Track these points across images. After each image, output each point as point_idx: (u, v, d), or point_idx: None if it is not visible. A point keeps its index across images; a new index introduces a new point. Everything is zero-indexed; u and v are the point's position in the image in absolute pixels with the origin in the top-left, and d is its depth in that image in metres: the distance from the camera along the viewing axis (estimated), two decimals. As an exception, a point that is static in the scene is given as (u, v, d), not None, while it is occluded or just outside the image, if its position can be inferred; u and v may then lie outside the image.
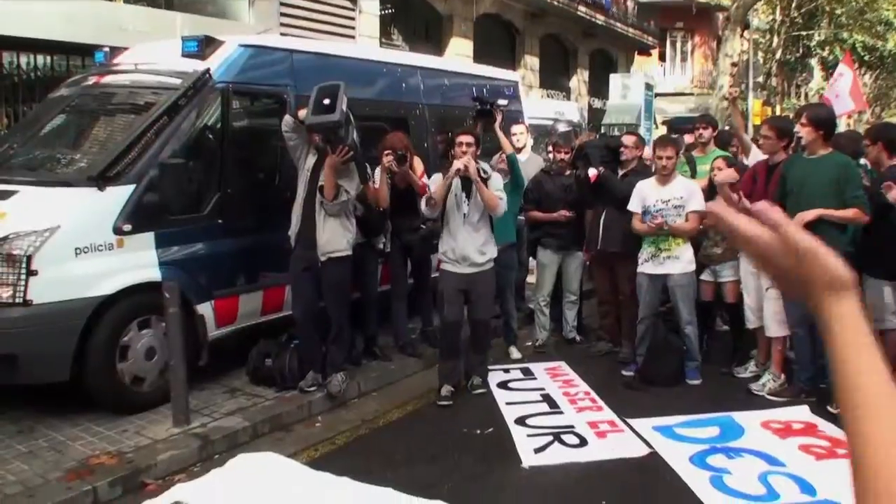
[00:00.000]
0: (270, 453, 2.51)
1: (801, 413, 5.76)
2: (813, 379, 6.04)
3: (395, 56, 8.81)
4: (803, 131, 5.80)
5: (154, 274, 5.44)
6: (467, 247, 5.98)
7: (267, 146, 6.83)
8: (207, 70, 5.92)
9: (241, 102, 6.58)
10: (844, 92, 12.46)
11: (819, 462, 4.92)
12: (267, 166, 6.80)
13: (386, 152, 6.45)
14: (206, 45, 6.09)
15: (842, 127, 35.98)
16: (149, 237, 5.47)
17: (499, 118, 7.07)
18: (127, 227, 5.29)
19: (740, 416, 5.66)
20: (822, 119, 5.84)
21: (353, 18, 14.53)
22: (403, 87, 8.11)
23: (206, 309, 5.83)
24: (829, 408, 5.69)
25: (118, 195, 5.30)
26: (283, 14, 12.70)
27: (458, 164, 5.76)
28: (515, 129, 8.19)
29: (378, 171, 6.54)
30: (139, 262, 5.39)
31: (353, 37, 14.36)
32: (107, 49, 6.96)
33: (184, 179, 5.58)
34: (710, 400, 6.11)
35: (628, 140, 7.36)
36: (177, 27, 10.26)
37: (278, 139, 6.56)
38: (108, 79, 6.47)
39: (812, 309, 0.98)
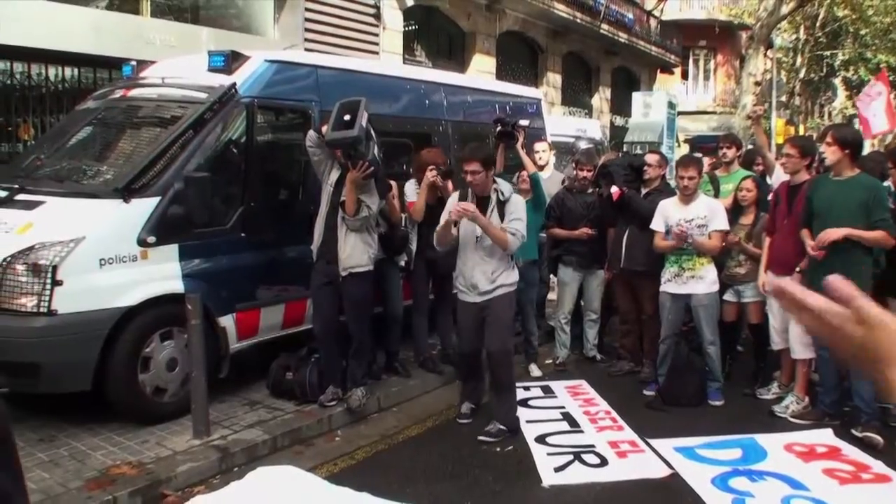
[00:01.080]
0: (289, 467, 2.50)
1: (824, 436, 5.68)
2: (837, 402, 5.98)
3: (418, 72, 8.87)
4: (828, 151, 5.73)
5: (177, 286, 5.47)
6: (476, 274, 5.62)
7: (291, 161, 6.89)
8: (233, 85, 5.97)
9: (266, 117, 6.63)
10: (881, 111, 12.33)
11: (843, 487, 4.85)
12: (290, 181, 6.85)
13: (430, 168, 6.50)
14: (232, 60, 6.14)
15: (866, 148, 35.65)
16: (172, 249, 5.50)
17: (520, 138, 7.07)
18: (151, 239, 5.33)
19: (763, 439, 5.59)
20: (849, 140, 5.78)
21: (376, 35, 14.62)
22: (427, 104, 8.15)
23: (227, 321, 5.86)
24: (853, 431, 5.64)
25: (143, 207, 5.35)
26: (307, 30, 12.80)
27: (451, 210, 5.47)
28: (538, 146, 8.20)
29: (409, 184, 6.73)
30: (162, 274, 5.42)
31: (376, 52, 14.44)
32: (134, 62, 7.05)
33: (208, 193, 5.60)
34: (733, 421, 6.04)
35: (651, 159, 7.33)
36: (202, 41, 10.39)
37: (302, 154, 6.60)
38: (134, 92, 6.53)
39: (879, 382, 0.99)
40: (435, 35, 17.28)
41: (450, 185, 6.72)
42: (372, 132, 5.64)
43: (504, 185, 5.76)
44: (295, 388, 5.96)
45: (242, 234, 6.01)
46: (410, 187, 6.85)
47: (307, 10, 12.85)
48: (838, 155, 5.67)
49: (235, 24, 12.64)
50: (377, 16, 14.59)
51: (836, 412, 5.98)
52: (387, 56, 14.68)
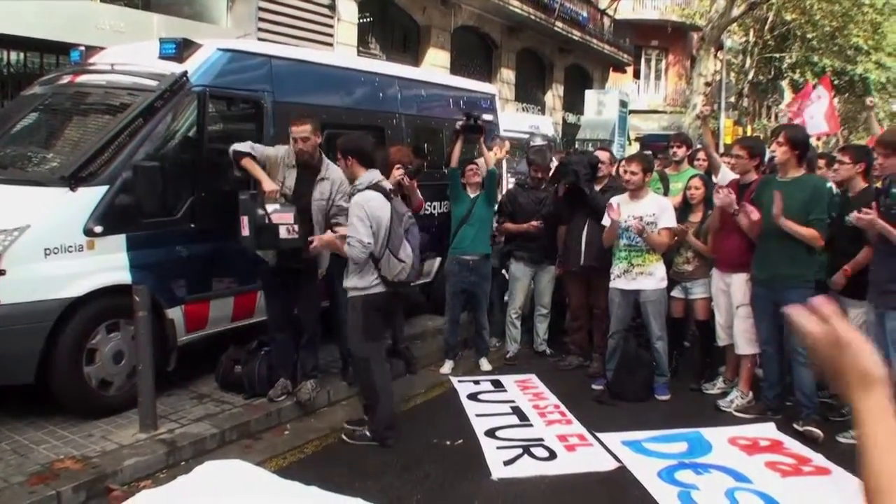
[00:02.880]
0: (238, 461, 2.48)
1: (767, 430, 5.81)
2: (780, 396, 6.12)
3: (373, 65, 8.80)
4: (779, 150, 5.86)
5: (124, 277, 5.38)
6: None
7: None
8: (185, 73, 5.88)
9: (218, 106, 6.52)
10: (819, 114, 12.62)
11: (784, 479, 4.96)
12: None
13: (397, 166, 6.49)
14: (183, 48, 6.04)
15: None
16: (120, 239, 5.40)
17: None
18: (98, 229, 5.23)
19: (708, 433, 5.70)
20: (799, 140, 5.91)
21: (331, 26, 14.53)
22: (381, 97, 8.11)
23: (176, 313, 5.77)
24: (794, 425, 5.77)
25: (90, 196, 5.24)
26: (261, 19, 12.67)
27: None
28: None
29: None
30: (109, 265, 5.32)
31: (331, 44, 14.35)
32: (82, 48, 6.90)
33: (157, 182, 5.50)
34: (679, 415, 6.14)
35: (603, 156, 7.43)
36: (153, 28, 10.22)
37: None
38: (83, 78, 6.40)
39: (846, 399, 1.11)
40: (390, 28, 17.23)
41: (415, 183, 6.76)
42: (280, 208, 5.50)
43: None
44: (244, 381, 5.91)
45: (192, 225, 5.92)
46: None
47: (261, -1, 12.74)
48: (788, 155, 5.79)
49: (187, 11, 12.45)
50: (332, 7, 14.50)
51: (778, 407, 6.11)
52: (341, 48, 14.60)
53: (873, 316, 5.54)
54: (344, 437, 5.45)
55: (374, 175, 5.22)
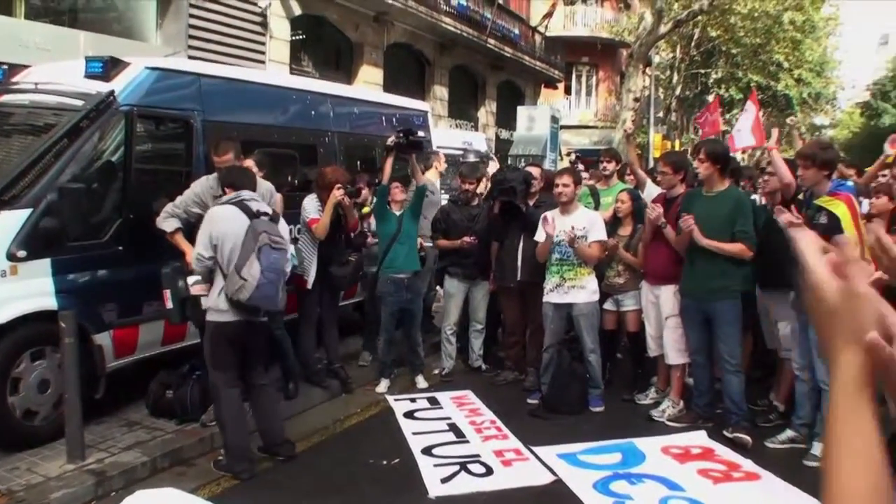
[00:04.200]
0: (170, 489, 2.43)
1: (698, 438, 5.94)
2: (710, 404, 6.26)
3: (304, 83, 8.80)
4: (701, 167, 6.03)
5: (49, 303, 5.25)
6: None
7: (171, 172, 6.69)
8: (112, 92, 5.79)
9: (146, 126, 6.42)
10: (746, 128, 13.03)
11: (716, 486, 5.08)
12: (170, 193, 6.65)
13: (338, 186, 6.48)
14: (111, 67, 5.96)
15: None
16: (45, 264, 5.27)
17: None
18: (21, 254, 5.09)
19: (641, 443, 5.80)
20: (719, 154, 6.11)
21: (263, 43, 14.44)
22: (313, 115, 8.11)
23: (104, 339, 5.65)
24: (724, 432, 5.91)
25: (13, 219, 5.11)
26: (191, 37, 12.51)
27: None
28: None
29: (310, 200, 6.72)
30: (34, 291, 5.19)
31: (262, 62, 14.26)
32: (5, 66, 6.74)
33: (83, 205, 5.40)
34: (613, 426, 6.24)
35: (535, 172, 7.54)
36: (80, 46, 10.01)
37: (183, 164, 6.48)
38: (5, 98, 6.27)
39: (826, 352, 0.98)
40: (322, 45, 17.19)
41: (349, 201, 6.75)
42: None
43: None
44: (175, 406, 5.80)
45: (120, 248, 5.82)
46: (311, 203, 6.79)
47: (191, 16, 12.57)
48: (710, 170, 5.97)
49: (116, 28, 12.24)
50: (264, 24, 14.41)
51: (709, 414, 6.25)
52: (273, 66, 14.51)
53: (798, 323, 5.72)
54: (212, 464, 5.29)
55: (241, 194, 5.12)
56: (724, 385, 6.04)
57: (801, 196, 5.93)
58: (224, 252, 4.89)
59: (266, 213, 5.06)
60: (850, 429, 0.92)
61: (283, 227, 5.20)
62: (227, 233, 4.91)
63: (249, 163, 6.23)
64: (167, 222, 5.66)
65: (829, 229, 5.34)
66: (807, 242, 1.03)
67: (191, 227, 5.66)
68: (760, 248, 5.93)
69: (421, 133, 7.48)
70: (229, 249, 4.87)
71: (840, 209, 5.37)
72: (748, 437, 5.80)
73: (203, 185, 5.79)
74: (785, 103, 32.52)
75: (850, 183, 6.16)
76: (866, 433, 0.91)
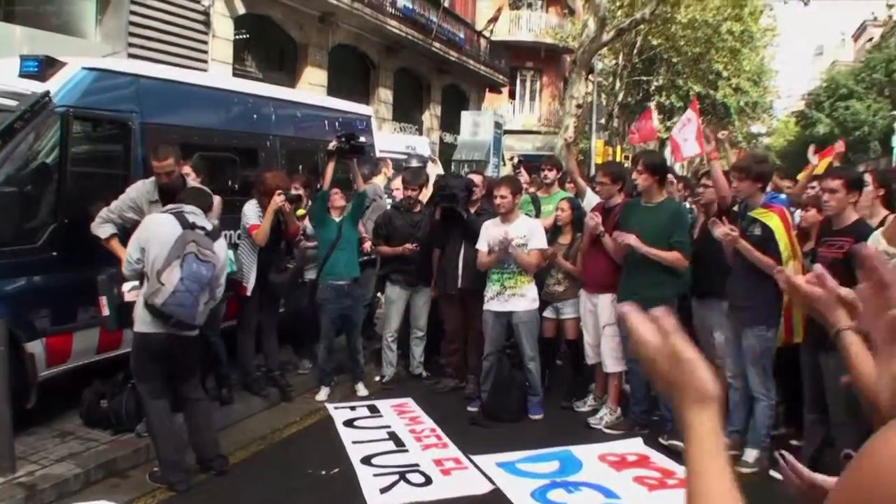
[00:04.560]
0: (104, 502, 2.39)
1: (635, 445, 6.03)
2: (646, 412, 6.36)
3: (246, 85, 8.67)
4: (640, 178, 6.13)
5: (-22, 310, 5.08)
6: None
7: (109, 175, 6.55)
8: (47, 92, 5.63)
9: (83, 128, 6.28)
10: (691, 137, 13.29)
11: (651, 493, 5.16)
12: (107, 196, 6.51)
13: (279, 192, 6.41)
14: (46, 66, 5.82)
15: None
16: (-27, 270, 5.12)
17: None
18: (-51, 259, 4.94)
19: (579, 450, 5.86)
20: (657, 166, 6.22)
21: (205, 42, 14.19)
22: (254, 118, 8.01)
23: (36, 347, 5.47)
24: (660, 439, 6.01)
25: (-60, 224, 4.95)
26: (131, 34, 12.24)
27: None
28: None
29: (250, 206, 6.66)
30: (-39, 297, 5.03)
31: (205, 61, 14.02)
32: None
33: (16, 208, 5.26)
34: (552, 434, 6.29)
35: (477, 179, 7.58)
36: (16, 41, 9.73)
37: (121, 168, 6.36)
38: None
39: (678, 413, 1.11)
40: (266, 45, 16.98)
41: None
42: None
43: None
44: (110, 416, 5.67)
45: (54, 253, 5.66)
46: (252, 209, 6.71)
47: (132, 13, 12.29)
48: (649, 181, 6.08)
49: (54, 23, 11.89)
50: (206, 23, 14.18)
51: (645, 422, 6.36)
52: (216, 65, 14.29)
53: (731, 332, 5.85)
54: (147, 476, 5.18)
55: (183, 206, 5.04)
56: (660, 392, 6.13)
57: (735, 208, 6.06)
58: (150, 257, 4.81)
59: (203, 228, 4.98)
60: (713, 480, 1.03)
61: (219, 245, 5.10)
62: (156, 238, 4.84)
63: (188, 169, 6.14)
64: (101, 228, 5.55)
65: (763, 241, 5.50)
66: (636, 321, 1.18)
67: (127, 233, 5.56)
68: (695, 258, 6.06)
69: (363, 138, 7.44)
70: (155, 255, 4.78)
71: (773, 221, 5.51)
72: (682, 444, 5.88)
73: (139, 189, 5.68)
74: (723, 112, 33.24)
75: (783, 196, 6.32)
76: (727, 482, 1.02)
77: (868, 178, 5.85)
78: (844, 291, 1.82)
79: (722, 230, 5.58)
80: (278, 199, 6.41)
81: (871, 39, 53.21)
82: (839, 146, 9.16)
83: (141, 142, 6.38)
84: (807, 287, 1.82)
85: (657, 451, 5.88)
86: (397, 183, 8.31)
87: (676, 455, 5.79)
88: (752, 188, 5.66)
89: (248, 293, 6.63)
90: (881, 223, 5.32)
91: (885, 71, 39.52)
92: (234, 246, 6.68)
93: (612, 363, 6.50)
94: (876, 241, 4.51)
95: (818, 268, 1.86)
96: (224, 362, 6.46)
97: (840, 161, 8.75)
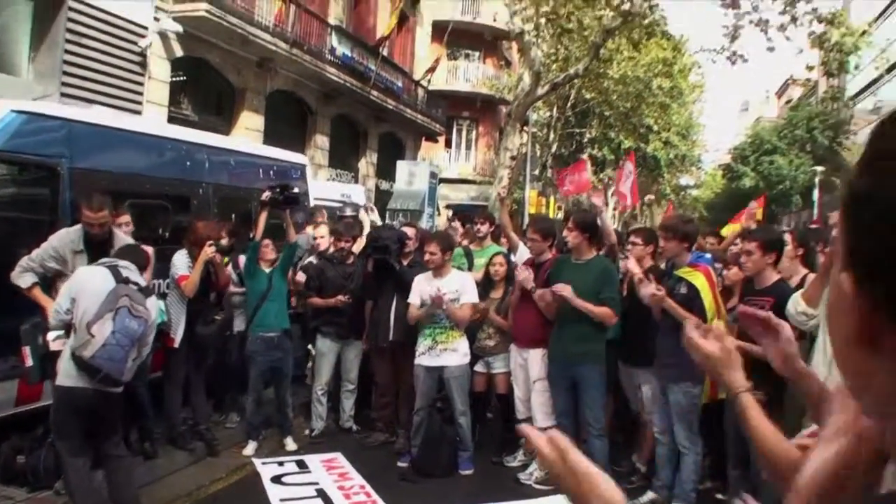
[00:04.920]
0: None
1: (563, 501, 6.02)
2: (575, 468, 6.38)
3: (179, 132, 8.56)
4: (570, 236, 6.25)
5: None
6: None
7: (35, 221, 6.39)
8: (-27, 135, 5.51)
9: (9, 172, 6.16)
10: (628, 188, 13.81)
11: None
12: (33, 242, 6.36)
13: (209, 243, 6.35)
14: (-26, 108, 5.69)
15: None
16: None
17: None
18: None
19: (507, 507, 5.85)
20: (588, 224, 6.35)
21: (141, 84, 14.04)
22: (188, 165, 7.94)
23: (-52, 400, 5.28)
24: (589, 496, 6.03)
25: None
26: (66, 73, 12.03)
27: None
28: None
29: (180, 256, 6.56)
30: None
31: (140, 102, 13.86)
32: None
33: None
34: (482, 490, 6.27)
35: (410, 232, 7.62)
36: (-57, 77, 9.49)
37: (48, 213, 6.22)
38: None
39: None
40: (203, 88, 16.87)
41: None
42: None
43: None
44: (27, 472, 5.46)
45: (-28, 301, 5.48)
46: (181, 259, 6.62)
47: (67, 51, 12.09)
48: (579, 239, 6.20)
49: (-14, 56, 11.65)
50: (143, 64, 14.05)
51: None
52: (151, 107, 14.14)
53: (658, 388, 5.96)
54: None
55: (117, 260, 4.98)
56: (589, 448, 6.18)
57: (662, 266, 6.22)
58: (80, 309, 4.69)
59: (137, 284, 4.89)
60: None
61: (151, 302, 5.01)
62: (88, 290, 4.73)
63: (126, 218, 6.05)
64: (22, 278, 5.41)
65: (689, 299, 5.65)
66: (536, 439, 1.31)
67: (49, 283, 5.43)
68: (623, 319, 6.19)
69: (297, 187, 7.42)
70: (85, 307, 4.67)
71: (699, 280, 5.66)
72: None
73: (62, 238, 5.56)
74: (654, 164, 34.16)
75: (708, 255, 6.50)
76: None
77: (788, 237, 6.08)
78: (746, 344, 1.91)
79: (648, 290, 5.70)
80: (209, 250, 6.35)
81: (789, 101, 55.44)
82: (753, 206, 9.47)
83: (70, 187, 6.26)
84: (707, 348, 1.88)
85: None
86: (321, 231, 8.28)
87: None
88: (679, 248, 5.82)
89: (176, 345, 6.51)
90: (801, 282, 5.51)
91: (805, 128, 41.13)
92: (162, 295, 6.56)
93: (542, 418, 6.52)
94: (795, 303, 4.66)
95: (718, 326, 1.94)
96: (149, 415, 6.31)
97: (753, 221, 9.06)
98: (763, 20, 14.53)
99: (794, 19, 14.13)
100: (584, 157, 25.66)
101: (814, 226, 38.38)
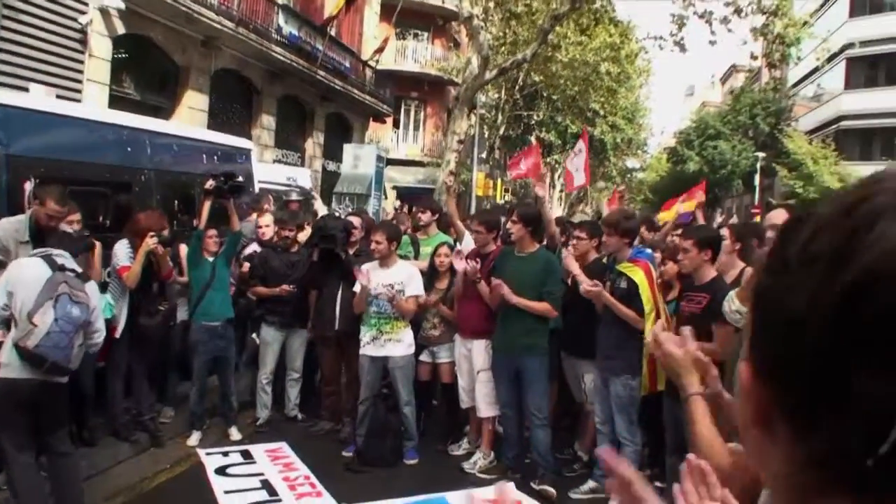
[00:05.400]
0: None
1: (507, 490, 6.13)
2: (519, 456, 6.50)
3: (120, 117, 8.36)
4: (514, 228, 6.32)
5: None
6: None
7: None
8: None
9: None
10: (581, 167, 13.74)
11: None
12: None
13: (151, 234, 6.26)
14: None
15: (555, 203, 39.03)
16: None
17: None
18: None
19: (452, 496, 5.86)
20: (531, 217, 6.42)
21: (81, 62, 13.69)
22: (129, 151, 7.78)
23: None
24: (532, 484, 6.15)
25: None
26: (2, 50, 11.68)
27: None
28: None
29: (121, 246, 6.44)
30: None
31: (80, 81, 13.51)
32: None
33: None
34: (427, 479, 6.34)
35: (356, 221, 7.62)
36: None
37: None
38: None
39: None
40: (146, 67, 16.48)
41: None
42: None
43: None
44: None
45: None
46: (122, 250, 6.50)
47: (2, 27, 11.74)
48: (522, 232, 6.28)
49: None
50: (83, 42, 13.69)
51: (518, 466, 6.49)
52: (92, 86, 13.79)
53: (600, 380, 6.08)
54: None
55: (50, 249, 4.89)
56: (532, 438, 6.30)
57: (604, 261, 6.33)
58: (17, 301, 4.61)
59: (74, 270, 4.82)
60: None
61: (90, 287, 4.94)
62: (23, 281, 4.65)
63: (77, 216, 5.94)
64: None
65: (629, 294, 5.77)
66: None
67: None
68: (564, 312, 6.30)
69: (240, 178, 7.33)
70: (23, 297, 4.59)
71: (638, 276, 5.78)
72: (553, 490, 6.09)
73: (6, 228, 5.44)
74: (600, 147, 34.50)
75: (648, 251, 6.63)
76: None
77: (725, 232, 6.23)
78: (701, 355, 2.02)
79: (585, 286, 5.82)
80: (150, 242, 6.27)
81: (732, 91, 56.34)
82: (690, 197, 9.67)
83: (6, 174, 6.11)
84: (670, 348, 1.98)
85: (529, 495, 6.01)
86: (266, 220, 8.23)
87: (547, 500, 5.96)
88: (620, 243, 5.93)
89: (117, 335, 6.42)
90: (739, 276, 5.65)
91: (748, 114, 42.02)
92: (103, 285, 6.46)
93: (486, 408, 6.62)
94: (730, 301, 4.79)
95: (685, 331, 2.02)
96: (89, 403, 6.23)
97: (699, 209, 9.28)
98: (708, 11, 14.76)
99: (738, 11, 14.35)
100: (534, 141, 25.78)
101: (755, 211, 39.35)
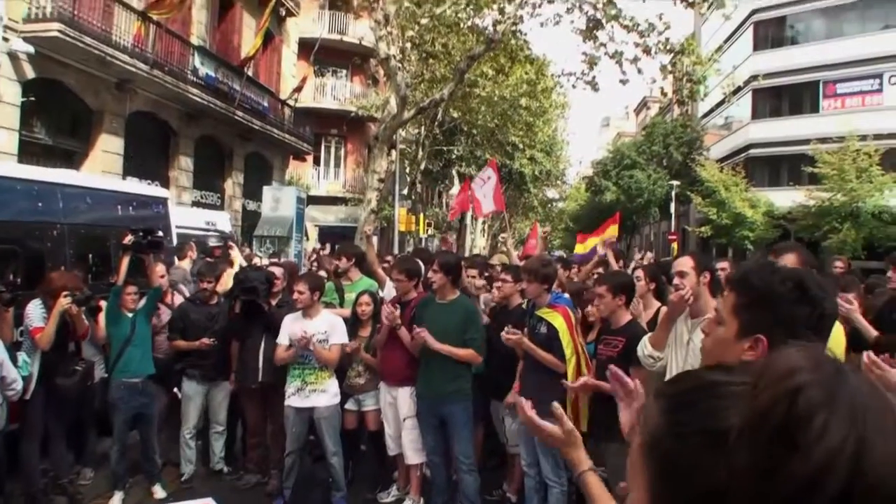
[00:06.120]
0: None
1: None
2: (448, 501, 6.53)
3: (28, 172, 8.14)
4: (435, 277, 6.40)
5: None
6: None
7: None
8: None
9: None
10: (489, 194, 13.90)
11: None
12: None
13: (65, 294, 6.12)
14: None
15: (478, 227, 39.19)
16: None
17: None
18: None
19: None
20: (451, 265, 6.51)
21: (-10, 107, 13.38)
22: (39, 206, 7.60)
23: None
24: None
25: None
26: None
27: None
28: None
29: (34, 306, 6.32)
30: None
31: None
32: None
33: None
34: (355, 529, 6.32)
35: (279, 271, 7.60)
36: None
37: None
38: None
39: None
40: (58, 111, 16.18)
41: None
42: None
43: None
44: None
45: None
46: (35, 310, 6.35)
47: None
48: (443, 280, 6.37)
49: None
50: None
51: (446, 511, 6.53)
52: (0, 132, 13.46)
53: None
54: None
55: None
56: (461, 484, 6.35)
57: (524, 306, 6.46)
58: None
59: None
60: None
61: None
62: None
63: None
64: None
65: (549, 339, 5.90)
66: None
67: None
68: (488, 357, 6.40)
69: (160, 232, 7.25)
70: None
71: (558, 321, 5.92)
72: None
73: None
74: (520, 179, 35.08)
75: (566, 296, 6.79)
76: None
77: (640, 273, 6.45)
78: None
79: (504, 334, 5.93)
80: (64, 301, 6.14)
81: (645, 125, 58.12)
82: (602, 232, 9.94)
83: None
84: (544, 426, 2.06)
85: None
86: (185, 266, 8.16)
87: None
88: (539, 289, 6.07)
89: (27, 396, 6.24)
90: (655, 315, 5.84)
91: (662, 144, 43.38)
92: (16, 344, 6.30)
93: (413, 454, 6.65)
94: (643, 346, 4.95)
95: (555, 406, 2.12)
96: (1, 468, 6.03)
97: (609, 247, 9.56)
98: (618, 52, 15.23)
99: (647, 51, 14.86)
100: (454, 172, 25.99)
101: (672, 238, 40.39)
